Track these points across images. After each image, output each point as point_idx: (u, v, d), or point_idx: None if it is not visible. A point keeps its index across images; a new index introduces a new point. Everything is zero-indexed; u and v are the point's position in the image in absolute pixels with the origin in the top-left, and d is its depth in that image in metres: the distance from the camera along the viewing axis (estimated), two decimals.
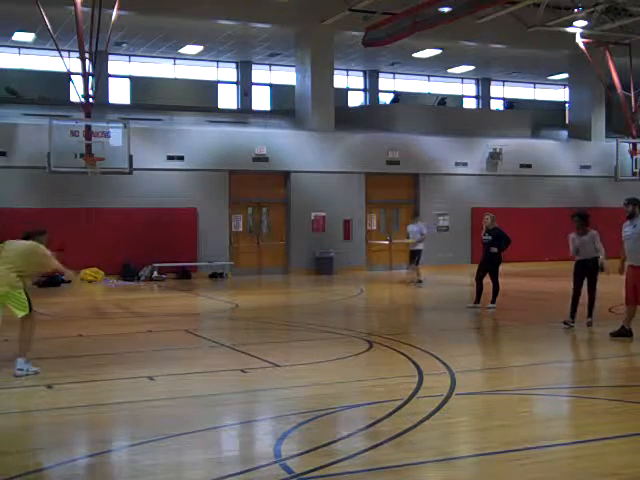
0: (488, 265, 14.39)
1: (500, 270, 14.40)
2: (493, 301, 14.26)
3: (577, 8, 22.89)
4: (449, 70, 31.41)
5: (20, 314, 8.51)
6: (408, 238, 20.48)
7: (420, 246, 19.93)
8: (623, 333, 10.66)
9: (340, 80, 29.47)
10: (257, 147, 23.33)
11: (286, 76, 29.05)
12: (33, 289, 19.53)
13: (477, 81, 33.87)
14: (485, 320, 13.63)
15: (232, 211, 23.37)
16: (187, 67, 29.08)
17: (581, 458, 5.52)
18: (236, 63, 29.50)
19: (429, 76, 32.48)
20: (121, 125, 19.83)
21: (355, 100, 31.72)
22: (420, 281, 19.70)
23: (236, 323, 13.91)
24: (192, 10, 22.29)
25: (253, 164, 23.38)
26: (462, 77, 33.07)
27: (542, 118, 30.55)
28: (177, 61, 28.76)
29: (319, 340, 11.20)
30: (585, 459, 5.49)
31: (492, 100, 34.04)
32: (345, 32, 24.35)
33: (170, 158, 22.38)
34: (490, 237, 14.31)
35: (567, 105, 31.22)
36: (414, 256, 20.00)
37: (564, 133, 29.37)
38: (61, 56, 19.40)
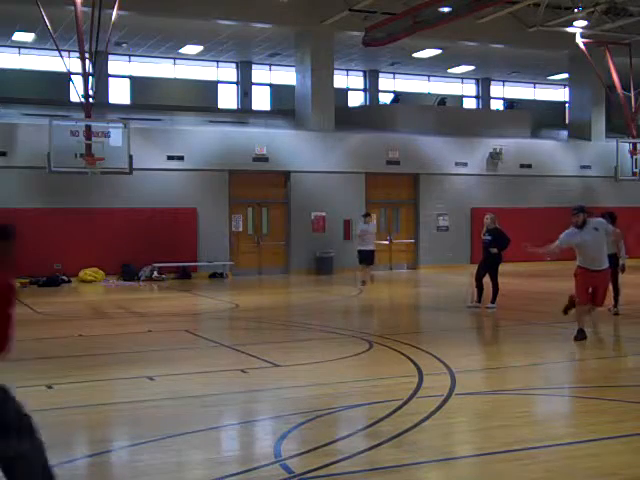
0: (488, 265, 14.41)
1: (500, 270, 14.41)
2: (493, 301, 14.26)
3: (577, 8, 22.89)
4: (449, 70, 31.40)
5: None
6: (362, 237, 19.41)
7: (373, 246, 19.49)
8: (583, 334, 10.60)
9: (340, 80, 29.47)
10: (257, 147, 23.32)
11: (286, 76, 29.05)
12: (33, 289, 19.63)
13: (477, 81, 33.87)
14: (485, 320, 13.63)
15: (232, 211, 23.37)
16: (187, 67, 29.07)
17: (581, 458, 5.51)
18: (236, 63, 29.50)
19: (429, 76, 32.48)
20: (121, 125, 19.83)
21: (355, 100, 31.72)
22: (365, 283, 19.33)
23: (236, 323, 13.91)
24: (192, 10, 22.30)
25: (253, 164, 23.37)
26: (462, 77, 33.07)
27: (542, 118, 30.55)
28: (177, 61, 28.75)
29: (319, 340, 11.20)
30: (585, 459, 5.49)
31: (492, 100, 34.03)
32: (345, 32, 24.34)
33: (170, 158, 22.38)
34: (490, 237, 14.33)
35: (567, 105, 31.22)
36: (370, 256, 19.41)
37: (564, 133, 29.37)
38: (61, 56, 19.40)
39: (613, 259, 12.07)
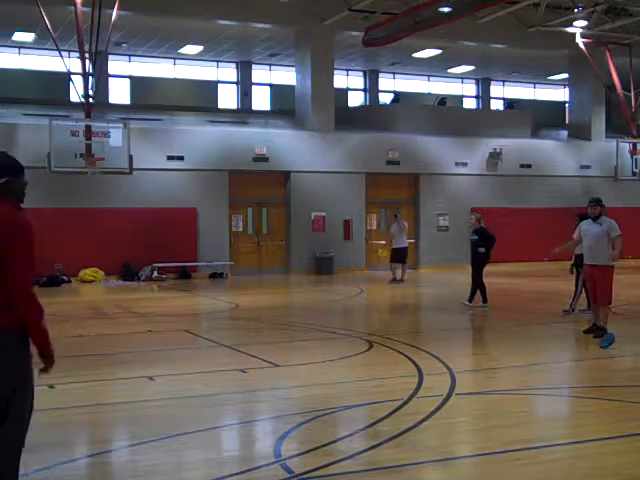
0: (475, 264, 14.59)
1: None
2: (470, 300, 14.42)
3: (577, 8, 22.89)
4: (449, 70, 31.40)
5: None
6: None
7: (396, 244, 20.48)
8: (594, 330, 10.69)
9: (340, 80, 29.46)
10: (257, 147, 23.33)
11: (286, 76, 29.05)
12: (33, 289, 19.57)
13: (477, 81, 33.87)
14: (485, 320, 13.63)
15: (232, 211, 23.37)
16: (187, 67, 29.07)
17: (581, 458, 5.51)
18: (236, 63, 29.50)
19: (429, 76, 32.48)
20: (121, 125, 19.83)
21: (355, 100, 31.71)
22: (396, 279, 20.27)
23: (236, 323, 13.90)
24: (192, 10, 22.30)
25: (253, 164, 23.37)
26: (462, 77, 33.06)
27: (542, 118, 30.55)
28: (177, 61, 28.75)
29: (319, 340, 11.20)
30: (585, 459, 5.49)
31: (492, 100, 34.03)
32: (345, 32, 24.35)
33: (170, 158, 22.38)
34: (477, 237, 14.55)
35: (567, 105, 31.22)
36: (404, 254, 20.53)
37: (564, 133, 29.36)
38: (61, 56, 19.39)
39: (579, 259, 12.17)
